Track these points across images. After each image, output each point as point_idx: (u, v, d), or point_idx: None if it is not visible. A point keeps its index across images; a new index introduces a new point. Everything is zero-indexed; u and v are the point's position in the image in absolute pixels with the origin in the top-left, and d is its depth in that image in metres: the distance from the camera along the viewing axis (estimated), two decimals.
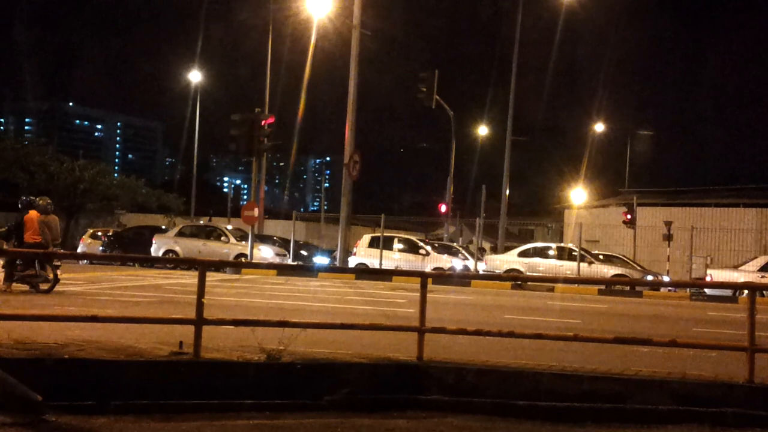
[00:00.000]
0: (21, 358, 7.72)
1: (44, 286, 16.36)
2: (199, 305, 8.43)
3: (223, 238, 31.35)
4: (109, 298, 15.81)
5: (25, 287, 16.37)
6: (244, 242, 30.50)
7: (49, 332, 9.20)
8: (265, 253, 30.57)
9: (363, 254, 31.12)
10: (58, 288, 16.45)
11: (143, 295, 17.00)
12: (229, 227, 33.64)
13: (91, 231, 38.90)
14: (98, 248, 35.05)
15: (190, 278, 21.34)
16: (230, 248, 30.56)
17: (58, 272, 16.50)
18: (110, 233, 37.20)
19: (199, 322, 8.39)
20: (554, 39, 41.51)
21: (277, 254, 31.51)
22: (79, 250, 35.65)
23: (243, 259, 29.40)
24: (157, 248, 31.18)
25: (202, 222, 39.34)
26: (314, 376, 8.31)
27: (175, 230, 32.99)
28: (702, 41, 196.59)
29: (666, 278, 29.87)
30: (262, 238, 34.21)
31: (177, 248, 30.81)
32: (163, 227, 37.65)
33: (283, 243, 34.71)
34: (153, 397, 7.65)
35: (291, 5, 31.82)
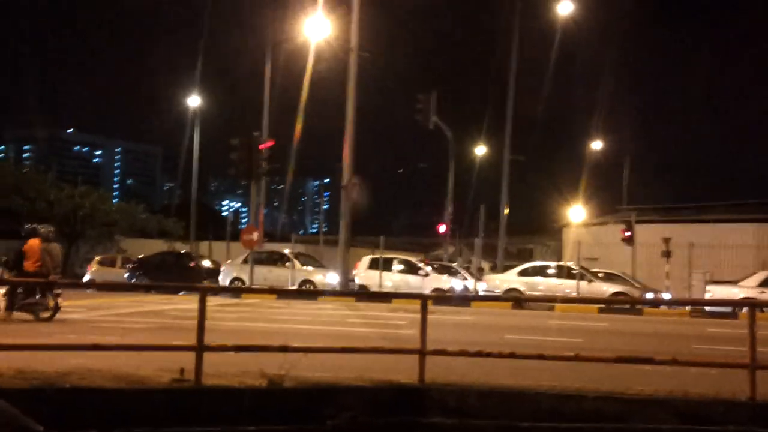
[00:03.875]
0: (22, 387, 7.72)
1: (45, 314, 16.35)
2: (200, 332, 8.44)
3: (287, 264, 31.09)
4: (111, 325, 15.79)
5: (27, 315, 16.36)
6: (309, 268, 30.49)
7: (51, 361, 9.19)
8: (331, 278, 30.06)
9: (363, 276, 31.13)
10: (59, 316, 16.43)
11: (144, 322, 16.99)
12: (286, 250, 33.18)
13: (99, 257, 38.72)
14: (124, 275, 34.52)
15: (191, 303, 21.29)
16: (296, 274, 30.39)
17: (59, 300, 16.50)
18: (135, 259, 36.83)
19: (200, 348, 8.40)
20: (551, 59, 41.61)
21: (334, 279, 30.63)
22: (86, 278, 35.54)
23: (309, 286, 29.48)
24: (224, 276, 31.24)
25: (286, 250, 37.78)
26: (316, 400, 8.32)
27: (242, 258, 32.42)
28: (701, 56, 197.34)
29: (666, 295, 29.83)
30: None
31: (243, 275, 30.66)
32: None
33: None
34: (155, 425, 7.66)
35: (289, 29, 32.00)
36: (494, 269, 40.87)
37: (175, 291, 27.98)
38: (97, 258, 38.47)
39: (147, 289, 29.61)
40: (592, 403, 8.36)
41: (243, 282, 30.12)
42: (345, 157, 28.89)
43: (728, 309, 24.89)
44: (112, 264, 36.78)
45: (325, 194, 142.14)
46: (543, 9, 39.65)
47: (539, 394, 8.54)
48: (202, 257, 37.40)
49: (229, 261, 33.76)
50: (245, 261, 31.45)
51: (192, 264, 34.13)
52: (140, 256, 38.36)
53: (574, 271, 28.84)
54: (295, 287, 29.33)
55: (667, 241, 32.37)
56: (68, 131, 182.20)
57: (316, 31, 29.99)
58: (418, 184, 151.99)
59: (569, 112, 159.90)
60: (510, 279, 29.66)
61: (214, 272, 32.76)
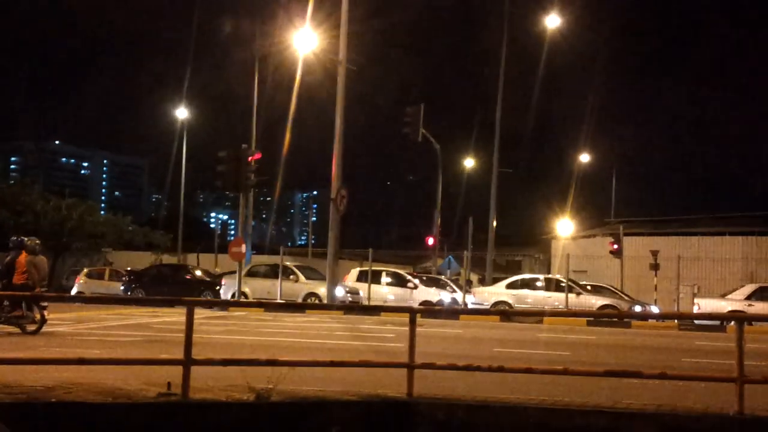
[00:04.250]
0: (8, 402, 7.66)
1: (31, 327, 16.26)
2: (188, 345, 8.39)
3: (292, 276, 30.50)
4: (97, 339, 15.71)
5: (13, 329, 16.25)
6: (313, 281, 30.08)
7: (36, 375, 9.13)
8: (337, 292, 29.42)
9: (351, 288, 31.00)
10: (45, 328, 16.34)
11: (131, 335, 16.90)
12: (289, 263, 32.64)
13: (87, 270, 38.55)
14: (120, 287, 34.32)
15: (178, 316, 21.21)
16: (300, 287, 29.89)
17: (45, 313, 16.40)
18: (127, 272, 36.67)
19: (188, 362, 8.35)
20: (539, 72, 41.79)
21: (349, 292, 30.21)
22: (74, 290, 35.36)
23: (313, 299, 28.95)
24: (226, 289, 30.61)
25: (295, 262, 37.00)
26: (305, 414, 8.28)
27: (244, 270, 31.60)
28: (686, 73, 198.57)
29: (654, 308, 29.90)
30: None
31: (246, 289, 30.16)
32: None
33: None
34: None
35: (278, 42, 32.04)
36: (483, 281, 40.87)
37: (170, 304, 27.72)
38: (86, 270, 38.32)
39: (137, 302, 29.41)
40: (580, 417, 8.35)
41: (246, 296, 29.73)
42: (333, 169, 28.89)
43: (716, 322, 24.95)
44: (101, 276, 36.66)
45: (313, 206, 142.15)
46: (531, 22, 39.84)
47: (528, 408, 8.52)
48: (200, 269, 37.13)
49: (230, 274, 33.38)
50: (248, 274, 31.11)
51: (189, 276, 33.96)
52: (129, 269, 38.21)
53: (562, 284, 28.84)
54: (299, 300, 28.95)
55: (655, 253, 32.46)
56: (55, 143, 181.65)
57: (305, 44, 30.03)
58: (407, 197, 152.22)
59: (557, 124, 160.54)
60: (498, 291, 29.63)
61: (210, 284, 32.52)
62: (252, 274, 31.33)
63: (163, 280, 32.73)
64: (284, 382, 8.46)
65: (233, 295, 29.89)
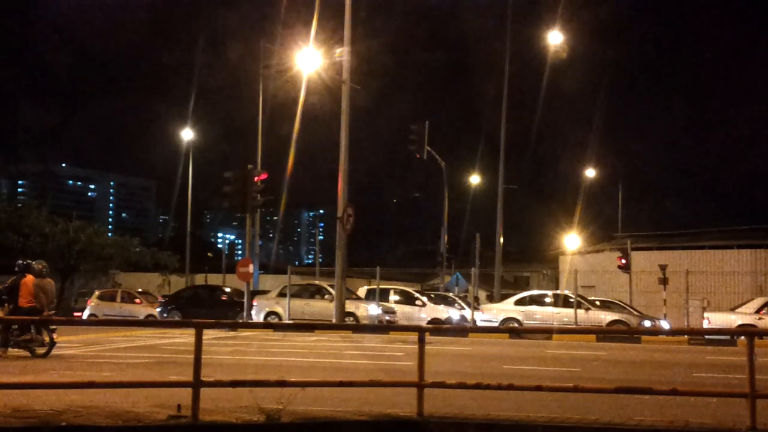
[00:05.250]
0: (18, 426, 7.66)
1: (41, 351, 16.27)
2: (197, 367, 8.38)
3: (327, 296, 30.05)
4: (106, 361, 15.71)
5: (23, 352, 16.28)
6: (348, 301, 29.45)
7: (46, 398, 9.14)
8: (372, 310, 29.13)
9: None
10: (55, 351, 16.35)
11: (140, 356, 16.90)
12: (321, 282, 32.35)
13: (99, 292, 38.51)
14: (156, 309, 34.29)
15: (186, 337, 21.21)
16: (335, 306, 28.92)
17: (54, 336, 16.41)
18: (167, 294, 36.55)
19: (197, 384, 8.34)
20: (542, 87, 41.81)
21: (385, 311, 29.76)
22: (86, 313, 35.35)
23: (350, 319, 28.51)
24: (258, 310, 30.22)
25: (316, 281, 36.38)
26: None
27: (277, 291, 31.51)
28: (691, 80, 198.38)
29: (663, 322, 29.80)
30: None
31: (279, 309, 29.84)
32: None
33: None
34: None
35: (281, 61, 32.15)
36: (490, 298, 40.80)
37: (179, 326, 27.50)
38: (97, 293, 38.24)
39: (144, 325, 29.28)
40: None
41: (279, 316, 29.44)
42: (339, 188, 28.90)
43: (727, 336, 24.83)
44: (112, 299, 36.57)
45: (320, 225, 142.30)
46: (534, 39, 39.89)
47: (538, 425, 8.49)
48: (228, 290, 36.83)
49: (262, 294, 33.06)
50: (281, 294, 30.83)
51: (224, 297, 33.81)
52: (147, 291, 38.09)
53: (571, 300, 28.77)
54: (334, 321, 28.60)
55: (663, 268, 32.39)
56: (62, 166, 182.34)
57: (309, 63, 30.10)
58: (413, 214, 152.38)
59: (563, 140, 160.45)
60: (507, 308, 29.56)
61: (238, 304, 32.30)
62: (282, 294, 30.93)
63: (200, 301, 32.62)
64: (294, 402, 8.44)
65: (266, 316, 29.72)
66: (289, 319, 29.11)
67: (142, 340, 21.73)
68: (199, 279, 49.54)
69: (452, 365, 14.74)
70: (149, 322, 28.94)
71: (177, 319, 30.01)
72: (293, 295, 30.80)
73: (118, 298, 36.38)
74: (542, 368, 15.35)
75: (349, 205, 28.80)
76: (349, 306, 29.17)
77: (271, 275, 47.35)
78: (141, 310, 34.64)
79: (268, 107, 39.14)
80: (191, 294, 35.53)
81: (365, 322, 28.23)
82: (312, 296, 30.84)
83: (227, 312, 30.49)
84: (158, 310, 34.25)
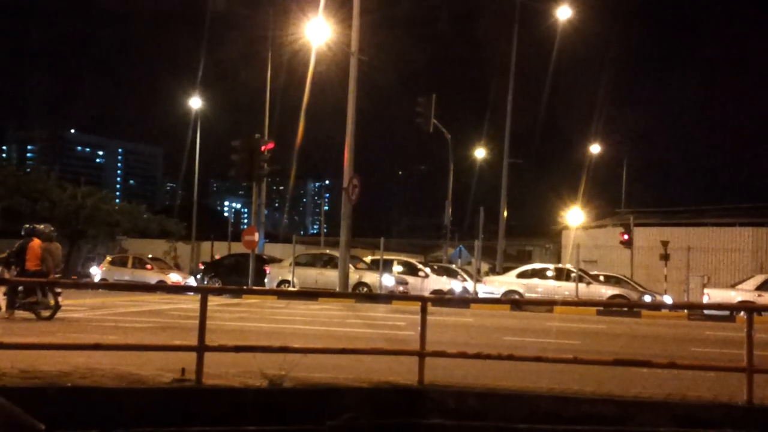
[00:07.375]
0: (25, 386, 7.76)
1: (46, 313, 16.43)
2: (201, 332, 8.48)
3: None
4: (112, 325, 15.85)
5: (28, 314, 16.43)
6: (361, 271, 29.79)
7: (53, 360, 9.24)
8: (386, 281, 29.33)
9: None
10: (59, 314, 16.51)
11: (145, 321, 17.05)
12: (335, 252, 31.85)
13: (110, 257, 38.61)
14: (196, 275, 34.42)
15: (192, 303, 21.37)
16: (349, 276, 29.06)
17: (60, 299, 16.56)
18: (207, 261, 36.58)
19: (201, 348, 8.44)
20: (550, 61, 41.64)
21: (399, 282, 30.02)
22: (98, 277, 35.52)
23: (363, 288, 28.80)
24: (271, 279, 30.60)
25: (327, 251, 35.67)
26: (316, 401, 8.36)
27: (289, 260, 31.51)
28: (699, 60, 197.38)
29: (664, 297, 29.92)
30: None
31: (292, 277, 30.00)
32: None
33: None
34: (156, 424, 7.70)
35: (290, 32, 32.04)
36: (493, 271, 40.91)
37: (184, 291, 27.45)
38: (109, 258, 38.37)
39: (149, 290, 29.37)
40: (590, 405, 8.40)
41: (292, 284, 29.59)
42: (345, 158, 28.91)
43: (726, 312, 24.96)
44: (124, 264, 36.71)
45: (326, 195, 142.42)
46: (543, 13, 39.72)
47: (538, 396, 8.59)
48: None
49: (275, 262, 33.20)
50: (295, 263, 30.90)
51: (265, 266, 33.87)
52: (215, 258, 37.94)
53: (573, 274, 28.86)
54: (350, 290, 28.47)
55: (665, 244, 32.45)
56: (71, 132, 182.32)
57: (317, 34, 30.02)
58: (418, 186, 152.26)
59: (568, 115, 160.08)
60: (509, 281, 29.67)
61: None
62: (297, 263, 30.98)
63: (241, 269, 32.73)
64: (296, 369, 8.54)
65: (279, 284, 29.96)
66: (303, 287, 29.26)
67: (147, 305, 21.89)
68: (205, 246, 49.69)
69: (454, 336, 14.85)
70: (153, 287, 29.17)
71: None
72: (307, 264, 31.16)
73: (130, 264, 36.51)
74: (543, 340, 15.46)
75: (354, 176, 28.84)
76: (363, 275, 29.33)
77: (281, 244, 47.37)
78: (152, 276, 34.82)
79: (279, 77, 39.11)
80: (232, 262, 35.49)
81: (379, 292, 28.32)
82: (325, 265, 30.99)
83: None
84: (198, 276, 34.42)
